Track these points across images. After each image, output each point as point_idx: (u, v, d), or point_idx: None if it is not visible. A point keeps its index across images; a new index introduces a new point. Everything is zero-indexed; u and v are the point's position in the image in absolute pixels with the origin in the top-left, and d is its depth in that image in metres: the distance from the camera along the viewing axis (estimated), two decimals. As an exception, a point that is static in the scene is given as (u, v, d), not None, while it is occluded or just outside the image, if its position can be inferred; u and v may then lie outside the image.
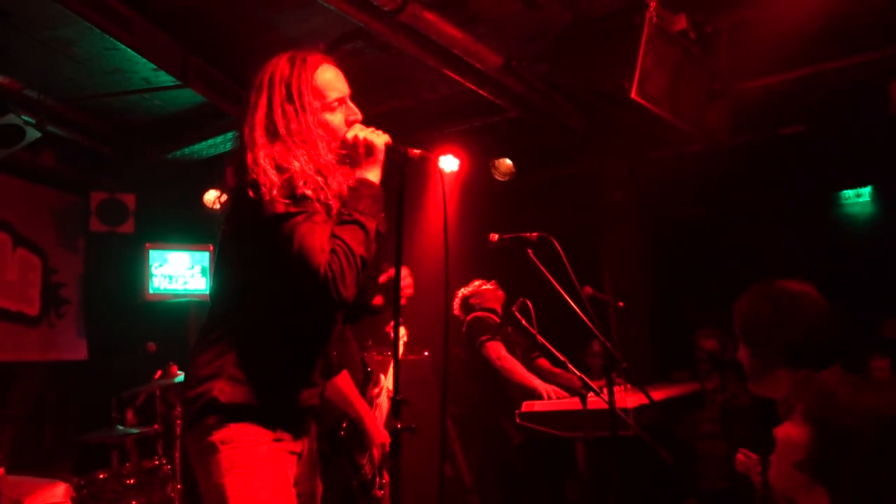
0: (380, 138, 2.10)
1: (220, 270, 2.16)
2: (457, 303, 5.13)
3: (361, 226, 1.98)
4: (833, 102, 5.28)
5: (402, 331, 4.20)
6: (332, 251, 1.91)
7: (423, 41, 4.31)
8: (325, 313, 2.13)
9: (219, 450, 1.95)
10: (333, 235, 1.95)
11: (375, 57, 4.79)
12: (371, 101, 5.63)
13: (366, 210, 2.01)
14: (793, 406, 1.62)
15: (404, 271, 2.15)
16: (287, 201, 1.93)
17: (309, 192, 1.97)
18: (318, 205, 1.99)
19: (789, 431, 1.58)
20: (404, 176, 2.14)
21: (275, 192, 1.93)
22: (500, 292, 5.09)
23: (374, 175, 2.09)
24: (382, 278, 2.26)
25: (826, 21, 4.37)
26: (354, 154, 2.10)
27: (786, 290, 1.95)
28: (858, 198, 6.29)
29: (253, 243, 2.03)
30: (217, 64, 4.93)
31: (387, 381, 3.84)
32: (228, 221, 2.11)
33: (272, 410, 2.02)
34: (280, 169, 1.97)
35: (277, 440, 2.02)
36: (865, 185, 6.24)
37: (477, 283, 5.16)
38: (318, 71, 2.16)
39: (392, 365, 3.91)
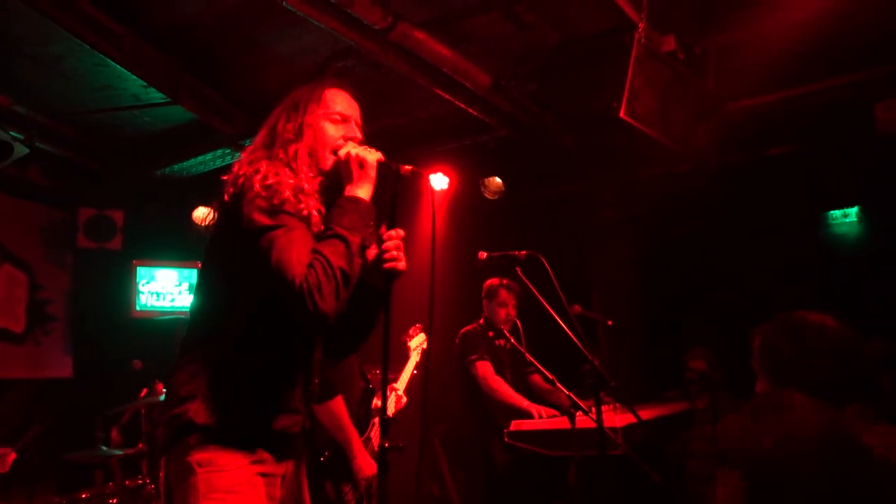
0: (372, 155, 2.11)
1: (201, 286, 2.16)
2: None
3: (343, 239, 1.96)
4: (820, 123, 5.32)
5: (422, 336, 4.17)
6: (310, 264, 1.90)
7: (413, 60, 4.33)
8: (304, 335, 2.11)
9: (195, 472, 1.93)
10: (314, 250, 1.94)
11: (366, 75, 4.81)
12: (362, 118, 5.68)
13: (349, 225, 1.99)
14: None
15: (396, 237, 2.12)
16: (268, 215, 1.94)
17: (291, 206, 1.98)
18: (300, 218, 1.99)
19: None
20: (396, 192, 2.14)
21: (256, 205, 1.94)
22: (513, 308, 4.96)
23: (364, 191, 2.08)
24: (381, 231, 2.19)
25: (812, 42, 4.41)
26: (346, 170, 2.10)
27: (807, 323, 1.92)
28: (845, 218, 6.33)
29: (233, 258, 2.02)
30: (208, 81, 4.93)
31: (399, 386, 3.83)
32: (212, 236, 2.12)
33: (249, 434, 2.00)
34: (264, 181, 1.98)
35: (257, 461, 1.99)
36: (852, 206, 6.28)
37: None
38: (331, 91, 2.24)
39: (401, 375, 3.92)
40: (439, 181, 6.15)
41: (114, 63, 4.34)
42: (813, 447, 1.47)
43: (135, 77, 4.57)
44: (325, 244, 1.95)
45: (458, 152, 6.07)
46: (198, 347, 2.05)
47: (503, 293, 4.88)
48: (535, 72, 4.71)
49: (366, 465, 3.37)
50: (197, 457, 1.93)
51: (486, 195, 6.12)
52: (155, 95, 4.91)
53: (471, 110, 5.03)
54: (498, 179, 6.07)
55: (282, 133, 2.14)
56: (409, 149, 5.91)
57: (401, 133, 5.83)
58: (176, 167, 5.93)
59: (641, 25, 4.02)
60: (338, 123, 2.20)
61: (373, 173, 2.10)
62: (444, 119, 5.68)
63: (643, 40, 4.05)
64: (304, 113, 2.17)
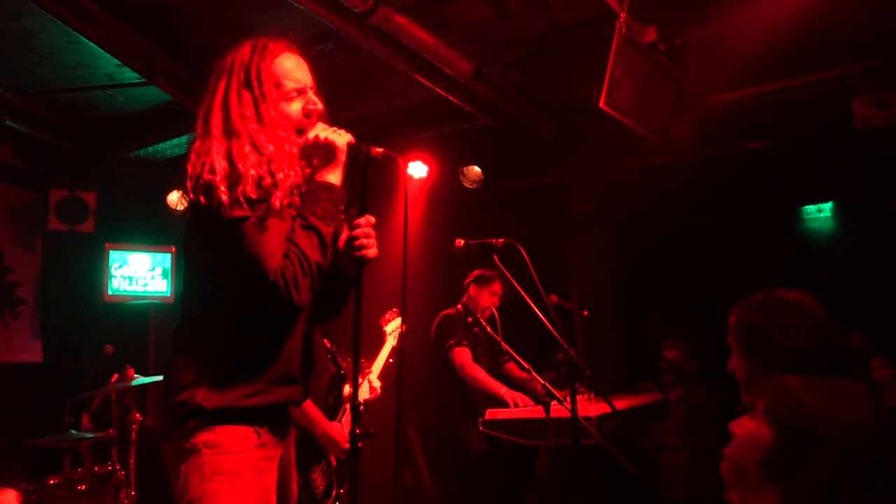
0: (342, 138, 2.06)
1: (186, 273, 2.12)
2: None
3: (317, 231, 1.94)
4: (797, 118, 5.37)
5: (398, 320, 4.15)
6: (286, 257, 1.88)
7: (394, 44, 4.29)
8: (286, 317, 2.08)
9: (202, 453, 1.90)
10: (288, 240, 1.92)
11: (346, 60, 4.76)
12: (341, 105, 5.63)
13: (322, 214, 1.96)
14: (754, 403, 1.60)
15: (366, 224, 2.07)
16: (237, 205, 1.89)
17: (261, 194, 1.93)
18: (270, 206, 1.94)
19: (750, 428, 1.56)
20: (367, 175, 2.09)
21: (225, 195, 1.89)
22: (498, 301, 4.95)
23: (334, 176, 2.04)
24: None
25: (792, 39, 4.44)
26: (315, 154, 2.06)
27: (786, 299, 1.92)
28: (820, 213, 6.40)
29: (209, 248, 1.99)
30: (185, 62, 4.85)
31: (372, 374, 3.80)
32: (188, 223, 2.07)
33: (256, 410, 1.97)
34: (232, 168, 1.92)
35: (261, 445, 1.98)
36: (827, 201, 6.35)
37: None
38: (279, 58, 2.12)
39: (376, 361, 3.89)
40: (419, 169, 6.15)
41: (88, 41, 4.25)
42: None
43: (109, 56, 4.48)
44: (300, 235, 1.93)
45: (438, 140, 6.05)
46: (192, 334, 2.03)
47: (498, 284, 4.90)
48: (517, 60, 4.69)
49: (340, 433, 3.34)
50: (203, 438, 1.91)
51: (464, 184, 6.11)
52: (129, 75, 4.82)
53: (451, 98, 5.00)
54: (477, 168, 6.06)
55: (239, 118, 2.02)
56: (389, 136, 5.87)
57: (380, 120, 5.79)
58: (150, 149, 5.83)
59: (623, 15, 4.02)
60: (293, 100, 2.10)
61: (343, 157, 2.05)
62: (423, 106, 5.65)
63: (624, 30, 4.05)
64: (264, 99, 2.05)
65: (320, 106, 2.14)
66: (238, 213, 1.89)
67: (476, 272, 5.02)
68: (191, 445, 1.91)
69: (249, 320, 1.99)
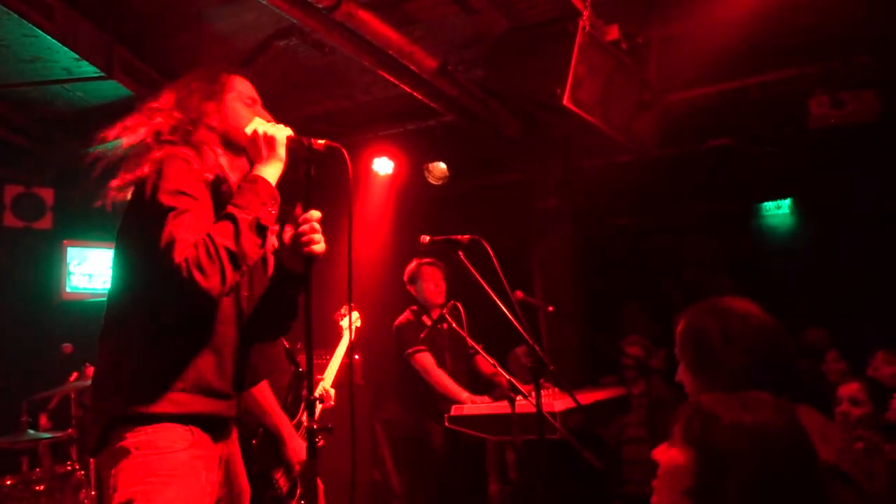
0: (281, 132, 2.05)
1: (113, 270, 2.08)
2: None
3: (231, 218, 1.91)
4: (755, 116, 5.47)
5: (356, 315, 4.11)
6: (195, 244, 1.84)
7: (358, 40, 4.27)
8: (201, 313, 2.03)
9: (132, 454, 1.87)
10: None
11: (309, 55, 4.72)
12: (304, 101, 5.59)
13: (242, 203, 1.94)
14: (671, 429, 1.56)
15: (311, 219, 2.06)
16: (167, 197, 1.89)
17: (194, 189, 1.93)
18: (202, 202, 1.94)
19: (671, 456, 1.49)
20: (310, 169, 2.06)
21: (156, 188, 1.89)
22: (441, 281, 4.91)
23: (272, 169, 2.03)
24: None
25: (750, 39, 4.53)
26: (254, 149, 2.05)
27: (731, 310, 1.84)
28: (778, 209, 6.54)
29: (134, 241, 1.99)
30: (144, 57, 4.77)
31: (325, 382, 3.75)
32: (121, 220, 2.06)
33: (181, 417, 1.95)
34: (172, 163, 1.93)
35: (196, 444, 1.95)
36: (785, 198, 6.49)
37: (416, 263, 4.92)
38: (236, 77, 2.23)
39: (330, 363, 3.85)
40: (384, 166, 6.12)
41: (44, 34, 4.15)
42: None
43: (66, 49, 4.37)
44: (216, 225, 1.90)
45: (403, 137, 6.04)
46: (114, 334, 2.00)
47: (425, 270, 4.85)
48: (482, 57, 4.70)
49: (298, 450, 3.32)
50: (133, 440, 1.88)
51: (430, 180, 6.11)
52: (87, 69, 4.71)
53: (416, 94, 4.99)
54: (442, 165, 6.06)
55: (192, 117, 2.08)
56: (353, 133, 5.85)
57: (344, 117, 5.76)
58: (109, 144, 5.72)
59: (586, 13, 4.06)
60: (248, 106, 2.18)
61: (282, 150, 2.04)
62: (388, 103, 5.64)
63: (587, 28, 4.08)
64: (219, 97, 2.14)
65: (270, 118, 2.18)
66: (167, 203, 1.88)
67: (405, 272, 4.97)
68: (120, 449, 1.88)
69: (169, 325, 1.96)
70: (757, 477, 1.37)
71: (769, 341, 1.80)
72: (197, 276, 1.80)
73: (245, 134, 2.08)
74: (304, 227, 2.03)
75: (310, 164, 2.05)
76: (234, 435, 2.19)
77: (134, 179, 1.98)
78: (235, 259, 1.88)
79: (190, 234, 1.84)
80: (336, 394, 3.71)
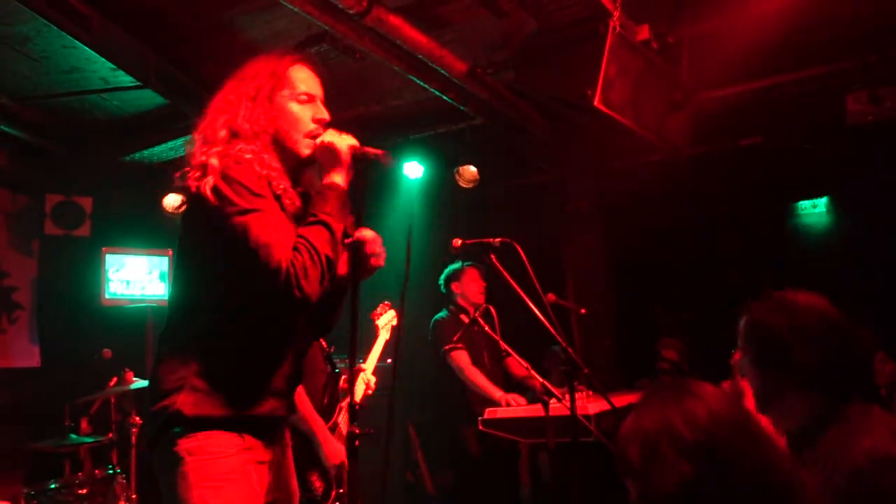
0: (344, 141, 2.08)
1: (178, 275, 2.11)
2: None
3: (327, 226, 1.95)
4: (791, 114, 5.38)
5: (391, 314, 4.15)
6: (295, 248, 1.88)
7: (388, 45, 4.30)
8: (285, 317, 2.07)
9: (186, 461, 1.90)
10: (298, 235, 1.92)
11: (341, 61, 4.75)
12: (336, 106, 5.61)
13: (332, 212, 1.98)
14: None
15: (372, 236, 2.09)
16: (241, 199, 1.90)
17: (263, 190, 1.95)
18: (273, 202, 1.97)
19: None
20: (367, 177, 2.11)
21: (228, 190, 1.90)
22: (483, 282, 4.97)
23: (340, 178, 2.06)
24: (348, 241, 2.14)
25: (784, 35, 4.45)
26: (321, 157, 2.09)
27: (800, 305, 1.79)
28: (814, 208, 6.42)
29: (208, 246, 1.99)
30: (179, 65, 4.84)
31: (367, 371, 3.80)
32: (185, 224, 2.08)
33: (237, 420, 1.96)
34: (233, 166, 1.94)
35: (247, 449, 1.97)
36: (821, 196, 6.37)
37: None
38: (294, 67, 2.16)
39: (369, 356, 3.89)
40: (414, 169, 6.17)
41: (82, 45, 4.24)
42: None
43: (104, 60, 4.47)
44: (310, 230, 1.94)
45: (433, 141, 6.05)
46: (178, 338, 2.02)
47: (470, 271, 4.90)
48: (512, 60, 4.69)
49: (335, 452, 3.34)
50: (186, 445, 1.90)
51: (460, 184, 6.11)
52: (124, 79, 4.81)
53: (446, 97, 5.01)
54: (472, 168, 6.06)
55: (248, 117, 2.07)
56: (384, 137, 5.87)
57: (375, 121, 5.79)
58: (146, 153, 5.83)
59: (616, 14, 4.02)
60: (304, 104, 2.13)
61: (346, 159, 2.07)
62: (418, 107, 5.65)
63: (618, 29, 4.05)
64: (271, 95, 2.10)
65: (327, 116, 2.16)
66: (242, 205, 1.89)
67: (447, 272, 5.03)
68: (174, 455, 1.91)
69: (240, 325, 1.98)
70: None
71: (841, 335, 1.76)
72: (303, 282, 1.85)
73: (294, 137, 2.10)
74: (375, 246, 2.07)
75: (366, 173, 2.10)
76: (287, 438, 2.22)
77: (193, 184, 1.96)
78: (333, 266, 1.93)
79: (278, 235, 1.87)
80: (376, 381, 3.77)
